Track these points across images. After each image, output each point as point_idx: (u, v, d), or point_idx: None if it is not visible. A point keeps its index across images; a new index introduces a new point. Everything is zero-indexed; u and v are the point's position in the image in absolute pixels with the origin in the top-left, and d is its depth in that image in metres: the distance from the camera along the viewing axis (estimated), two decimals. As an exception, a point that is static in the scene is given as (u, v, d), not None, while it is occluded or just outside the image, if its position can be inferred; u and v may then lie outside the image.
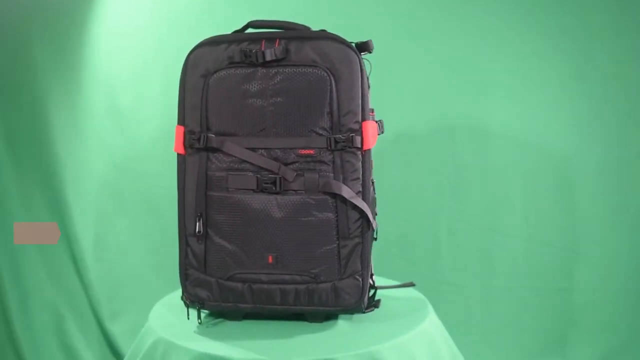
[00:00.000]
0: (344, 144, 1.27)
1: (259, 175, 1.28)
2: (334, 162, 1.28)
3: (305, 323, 1.34)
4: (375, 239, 1.37)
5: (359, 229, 1.29)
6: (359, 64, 1.28)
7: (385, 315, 1.39)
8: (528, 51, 1.95)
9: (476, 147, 1.99)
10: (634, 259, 1.96)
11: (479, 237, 2.01)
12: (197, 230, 1.31)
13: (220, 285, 1.32)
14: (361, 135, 1.28)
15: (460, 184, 2.01)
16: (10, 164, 2.12)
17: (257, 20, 1.36)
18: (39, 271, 2.13)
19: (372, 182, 1.33)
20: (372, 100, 1.34)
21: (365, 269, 1.30)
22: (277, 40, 1.28)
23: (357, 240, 1.29)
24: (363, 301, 1.32)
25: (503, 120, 1.97)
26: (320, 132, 1.27)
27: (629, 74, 1.93)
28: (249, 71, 1.28)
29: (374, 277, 1.44)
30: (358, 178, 1.28)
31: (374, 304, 1.41)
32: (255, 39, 1.29)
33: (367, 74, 1.31)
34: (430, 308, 1.43)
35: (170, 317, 1.39)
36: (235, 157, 1.29)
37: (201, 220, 1.31)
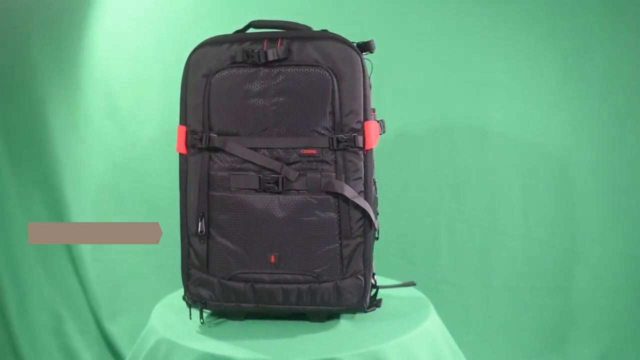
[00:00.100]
0: (346, 144, 1.27)
1: (261, 175, 1.28)
2: (336, 161, 1.28)
3: (307, 323, 1.34)
4: (377, 238, 1.37)
5: (361, 229, 1.29)
6: (360, 64, 1.28)
7: (386, 314, 1.39)
8: (527, 51, 1.96)
9: (476, 147, 2.00)
10: (633, 259, 1.97)
11: (478, 236, 2.01)
12: (199, 230, 1.31)
13: (222, 285, 1.32)
14: (363, 135, 1.28)
15: (459, 184, 2.01)
16: (9, 164, 2.11)
17: (258, 20, 1.36)
18: (38, 271, 2.13)
19: (374, 182, 1.34)
20: (372, 100, 1.34)
21: (367, 268, 1.31)
22: (279, 40, 1.28)
23: (359, 239, 1.30)
24: (365, 301, 1.33)
25: (502, 120, 1.98)
26: (323, 131, 1.27)
27: (627, 74, 1.94)
28: (251, 71, 1.28)
29: (375, 276, 1.44)
30: (360, 178, 1.29)
31: (375, 303, 1.41)
32: (257, 38, 1.29)
33: (369, 73, 1.31)
34: (431, 307, 1.43)
35: (172, 317, 1.39)
36: (237, 156, 1.29)
37: (203, 220, 1.31)
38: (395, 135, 1.97)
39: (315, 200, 1.28)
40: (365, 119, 1.28)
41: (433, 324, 1.37)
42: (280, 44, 1.27)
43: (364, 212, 1.29)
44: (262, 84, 1.28)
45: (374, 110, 1.34)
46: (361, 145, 1.28)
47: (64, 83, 2.09)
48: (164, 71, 2.07)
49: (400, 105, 1.97)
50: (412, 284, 1.54)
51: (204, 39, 1.34)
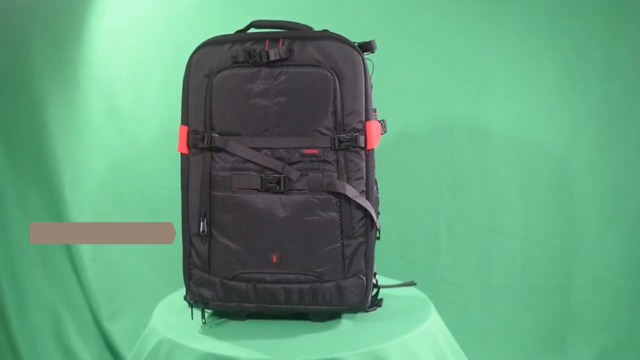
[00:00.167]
0: (348, 144, 1.27)
1: (263, 175, 1.29)
2: (337, 161, 1.28)
3: (309, 322, 1.34)
4: (379, 238, 1.37)
5: (362, 228, 1.30)
6: (362, 64, 1.28)
7: (387, 314, 1.39)
8: (527, 52, 1.96)
9: (475, 147, 2.00)
10: (631, 258, 1.98)
11: (478, 236, 2.02)
12: (201, 230, 1.31)
13: (224, 285, 1.32)
14: (365, 134, 1.28)
15: (459, 184, 2.01)
16: (8, 164, 2.11)
17: (259, 20, 1.36)
18: (37, 271, 2.12)
19: (376, 182, 1.34)
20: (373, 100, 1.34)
21: (369, 268, 1.31)
22: (281, 40, 1.28)
23: (361, 239, 1.30)
24: (367, 300, 1.33)
25: (502, 120, 1.98)
26: (324, 131, 1.28)
27: (626, 74, 1.94)
28: (252, 71, 1.28)
29: (376, 276, 1.44)
30: (362, 177, 1.29)
31: (376, 303, 1.41)
32: (258, 38, 1.29)
33: (370, 73, 1.32)
34: (432, 307, 1.44)
35: (173, 317, 1.39)
36: (239, 156, 1.29)
37: (205, 220, 1.31)
38: (395, 135, 1.97)
39: (317, 200, 1.28)
40: (367, 118, 1.29)
41: (434, 323, 1.37)
42: (282, 44, 1.28)
43: (366, 212, 1.29)
44: (263, 84, 1.28)
45: (375, 110, 1.34)
46: (363, 145, 1.28)
47: (63, 83, 2.08)
48: (163, 71, 2.06)
49: (400, 105, 1.97)
50: (412, 283, 1.55)
51: (205, 39, 1.34)
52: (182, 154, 1.34)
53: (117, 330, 2.10)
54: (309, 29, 1.34)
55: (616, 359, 1.97)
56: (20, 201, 2.11)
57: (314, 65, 1.27)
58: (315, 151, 1.28)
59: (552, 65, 1.95)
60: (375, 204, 1.34)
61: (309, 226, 1.28)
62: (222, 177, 1.30)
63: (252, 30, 1.36)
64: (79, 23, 2.07)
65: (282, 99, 1.27)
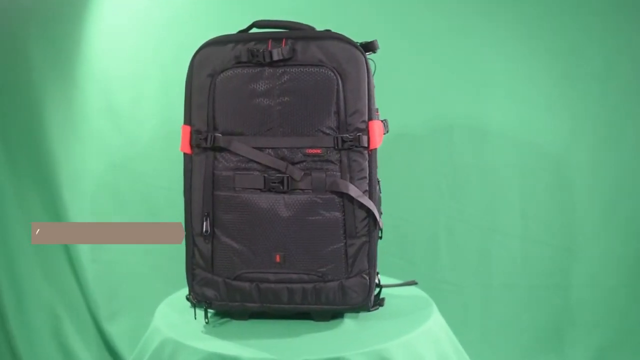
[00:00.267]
0: (351, 143, 1.28)
1: (266, 175, 1.29)
2: (340, 161, 1.28)
3: (312, 322, 1.34)
4: (381, 237, 1.37)
5: (365, 228, 1.30)
6: (365, 64, 1.29)
7: (390, 313, 1.40)
8: (527, 52, 1.96)
9: (475, 147, 2.00)
10: (629, 257, 1.98)
11: (477, 236, 2.02)
12: (204, 230, 1.31)
13: (227, 285, 1.32)
14: (368, 134, 1.29)
15: (459, 184, 2.02)
16: (6, 164, 2.10)
17: (262, 20, 1.36)
18: (36, 271, 2.11)
19: (378, 181, 1.34)
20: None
21: (372, 267, 1.31)
22: (284, 40, 1.28)
23: (364, 239, 1.30)
24: (370, 300, 1.33)
25: (502, 120, 1.98)
26: (327, 131, 1.28)
27: (625, 75, 1.95)
28: (256, 71, 1.28)
29: (378, 275, 1.45)
30: (365, 177, 1.29)
31: (378, 302, 1.42)
32: (261, 38, 1.29)
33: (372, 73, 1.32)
34: (434, 306, 1.44)
35: (175, 317, 1.39)
36: (242, 156, 1.29)
37: (208, 220, 1.31)
38: (394, 135, 1.95)
39: (320, 199, 1.28)
40: (370, 118, 1.29)
41: (436, 322, 1.38)
42: (285, 44, 1.28)
43: (369, 211, 1.29)
44: (267, 84, 1.28)
45: (377, 110, 1.34)
46: (366, 145, 1.28)
47: (62, 82, 2.07)
48: (163, 71, 2.06)
49: (400, 105, 1.97)
50: (413, 283, 1.55)
51: (206, 39, 1.34)
52: (185, 153, 1.34)
53: (116, 331, 2.10)
54: (312, 29, 1.34)
55: (614, 356, 1.98)
56: (19, 201, 2.10)
57: (317, 65, 1.27)
58: (319, 151, 1.28)
59: (551, 66, 1.96)
60: (378, 203, 1.34)
61: (312, 226, 1.28)
62: (225, 177, 1.30)
63: (254, 30, 1.36)
64: (78, 22, 2.07)
65: (285, 98, 1.28)
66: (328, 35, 1.29)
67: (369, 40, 1.34)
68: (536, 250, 2.00)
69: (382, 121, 1.33)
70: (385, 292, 1.49)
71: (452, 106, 2.00)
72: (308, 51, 1.28)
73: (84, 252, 2.09)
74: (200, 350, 1.22)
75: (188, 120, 1.33)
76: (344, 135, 1.27)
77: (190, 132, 1.32)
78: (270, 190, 1.29)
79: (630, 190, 1.97)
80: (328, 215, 1.28)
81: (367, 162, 1.29)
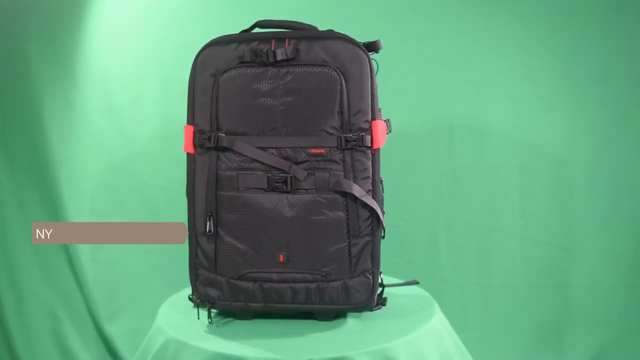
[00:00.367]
0: (355, 143, 1.28)
1: (269, 175, 1.29)
2: (344, 161, 1.29)
3: (315, 321, 1.34)
4: (384, 237, 1.37)
5: (369, 227, 1.30)
6: (368, 64, 1.29)
7: (392, 313, 1.40)
8: (526, 52, 1.97)
9: (474, 147, 2.01)
10: (628, 256, 1.99)
11: (477, 235, 2.02)
12: (207, 229, 1.31)
13: (230, 285, 1.32)
14: (371, 134, 1.29)
15: (458, 184, 2.02)
16: (5, 164, 2.09)
17: (264, 20, 1.36)
18: (35, 272, 2.10)
19: (381, 181, 1.34)
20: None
21: (375, 267, 1.32)
22: (287, 40, 1.29)
23: (367, 238, 1.30)
24: (373, 299, 1.34)
25: (501, 120, 1.99)
26: (331, 131, 1.28)
27: (623, 75, 1.95)
28: (259, 71, 1.28)
29: (381, 275, 1.45)
30: (368, 177, 1.30)
31: (381, 301, 1.42)
32: (264, 38, 1.29)
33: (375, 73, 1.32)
34: (436, 306, 1.44)
35: (178, 317, 1.39)
36: (245, 156, 1.29)
37: (211, 220, 1.31)
38: (394, 135, 1.95)
39: (324, 199, 1.28)
40: (373, 118, 1.30)
41: (439, 322, 1.38)
42: (288, 44, 1.28)
43: (372, 211, 1.30)
44: (270, 84, 1.28)
45: (379, 110, 1.34)
46: (369, 145, 1.29)
47: (61, 82, 2.07)
48: (162, 70, 2.06)
49: (400, 104, 1.97)
50: (415, 282, 1.56)
51: (208, 39, 1.34)
52: (188, 153, 1.34)
53: (116, 331, 2.09)
54: (314, 28, 1.34)
55: (614, 356, 1.98)
56: (18, 202, 2.10)
57: (320, 65, 1.27)
58: (322, 151, 1.28)
59: (551, 66, 1.96)
60: (381, 203, 1.34)
61: (315, 225, 1.28)
62: (229, 177, 1.30)
63: (256, 30, 1.36)
64: (77, 22, 2.06)
65: (289, 98, 1.28)
66: (331, 35, 1.29)
67: (372, 40, 1.34)
68: (536, 249, 2.01)
69: (385, 121, 1.33)
70: (386, 291, 1.49)
71: (451, 106, 2.00)
72: (311, 51, 1.28)
73: (84, 252, 2.08)
74: (204, 350, 1.22)
75: (191, 120, 1.33)
76: (348, 135, 1.28)
77: (194, 132, 1.32)
78: (273, 190, 1.29)
79: (629, 190, 1.98)
80: (331, 215, 1.28)
81: (370, 162, 1.29)
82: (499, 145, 1.99)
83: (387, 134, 1.34)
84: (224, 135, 1.29)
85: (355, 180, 1.28)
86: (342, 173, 1.28)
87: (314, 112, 1.28)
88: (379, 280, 1.39)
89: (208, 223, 1.31)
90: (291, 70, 1.27)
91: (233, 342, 1.25)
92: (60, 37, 2.06)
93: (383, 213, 1.35)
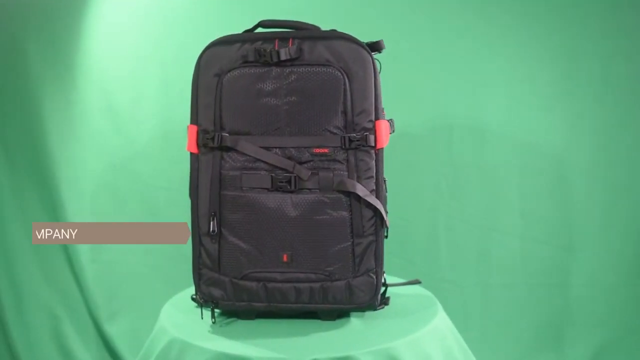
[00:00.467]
0: (358, 143, 1.28)
1: (273, 174, 1.29)
2: (348, 160, 1.29)
3: (318, 321, 1.34)
4: (387, 236, 1.38)
5: (372, 227, 1.30)
6: (372, 64, 1.29)
7: (395, 312, 1.40)
8: (525, 52, 1.97)
9: (474, 147, 2.01)
10: (628, 256, 2.00)
11: (477, 235, 2.03)
12: (210, 229, 1.31)
13: (234, 285, 1.32)
14: (375, 134, 1.29)
15: (458, 183, 2.02)
16: (5, 164, 2.09)
17: (267, 20, 1.36)
18: (35, 272, 2.10)
19: (384, 181, 1.35)
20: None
21: (379, 266, 1.32)
22: (291, 40, 1.29)
23: (371, 238, 1.31)
24: (376, 299, 1.34)
25: (501, 120, 1.99)
26: (335, 131, 1.28)
27: (622, 74, 1.96)
28: (263, 70, 1.28)
29: (384, 274, 1.45)
30: (372, 177, 1.30)
31: (384, 301, 1.42)
32: (268, 38, 1.30)
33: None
34: (438, 305, 1.45)
35: (181, 317, 1.39)
36: (249, 156, 1.29)
37: (215, 220, 1.31)
38: (394, 135, 1.97)
39: (328, 199, 1.28)
40: (377, 118, 1.30)
41: (442, 321, 1.38)
42: (292, 44, 1.28)
43: (376, 211, 1.30)
44: (274, 84, 1.28)
45: (383, 110, 1.34)
46: (373, 144, 1.29)
47: (60, 82, 2.06)
48: (162, 70, 2.06)
49: (400, 104, 1.96)
50: (417, 282, 1.56)
51: (209, 38, 1.34)
52: (191, 153, 1.33)
53: (116, 331, 2.09)
54: (317, 28, 1.34)
55: (614, 355, 1.99)
56: (18, 202, 2.09)
57: (324, 65, 1.27)
58: (326, 150, 1.28)
59: (550, 66, 1.97)
60: (384, 202, 1.34)
61: (319, 225, 1.29)
62: (232, 177, 1.30)
63: (259, 29, 1.36)
64: (77, 21, 2.06)
65: (293, 98, 1.28)
66: (335, 35, 1.30)
67: (375, 40, 1.34)
68: (536, 249, 2.01)
69: (388, 121, 1.34)
70: (389, 291, 1.49)
71: (451, 106, 2.00)
72: (315, 51, 1.28)
73: (84, 252, 2.08)
74: (208, 350, 1.22)
75: (195, 119, 1.32)
76: (351, 134, 1.28)
77: (197, 132, 1.32)
78: (277, 189, 1.29)
79: (628, 189, 1.98)
80: (335, 215, 1.29)
81: (374, 162, 1.30)
82: (498, 145, 2.00)
83: (390, 133, 1.34)
84: (227, 135, 1.29)
85: (358, 180, 1.29)
86: (346, 173, 1.29)
87: (317, 112, 1.28)
88: (382, 280, 1.39)
89: (212, 223, 1.31)
90: (295, 70, 1.28)
91: (237, 342, 1.25)
92: (60, 36, 2.06)
93: (386, 212, 1.35)
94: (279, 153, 1.29)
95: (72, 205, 2.07)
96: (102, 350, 2.11)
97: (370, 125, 1.29)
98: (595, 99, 1.97)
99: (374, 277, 1.31)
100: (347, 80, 1.27)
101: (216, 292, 1.33)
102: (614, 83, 1.96)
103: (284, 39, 1.29)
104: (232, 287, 1.32)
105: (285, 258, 1.30)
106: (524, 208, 2.02)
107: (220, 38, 1.32)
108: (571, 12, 1.96)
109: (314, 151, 1.28)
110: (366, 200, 1.28)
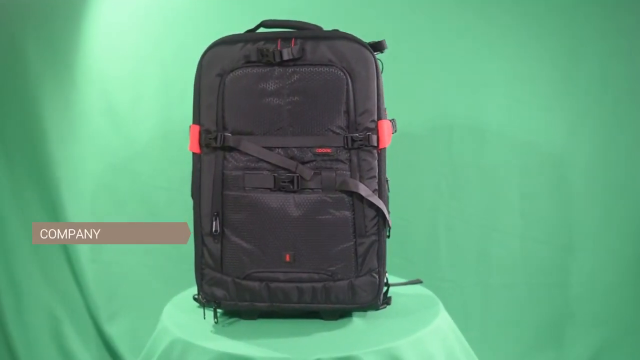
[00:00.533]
0: (361, 143, 1.28)
1: (275, 174, 1.29)
2: (350, 160, 1.29)
3: (320, 321, 1.35)
4: (389, 236, 1.38)
5: (375, 227, 1.31)
6: (374, 64, 1.29)
7: (397, 312, 1.41)
8: (525, 52, 1.98)
9: (474, 147, 2.01)
10: (627, 255, 2.01)
11: (476, 235, 2.03)
12: (213, 229, 1.31)
13: (236, 285, 1.32)
14: (377, 134, 1.29)
15: (458, 183, 2.03)
16: (4, 164, 2.08)
17: (270, 20, 1.36)
18: (35, 273, 2.09)
19: (387, 180, 1.35)
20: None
21: (381, 266, 1.32)
22: (293, 40, 1.29)
23: (373, 237, 1.31)
24: (379, 298, 1.34)
25: (500, 120, 2.00)
26: (337, 131, 1.28)
27: (622, 74, 1.97)
28: (265, 70, 1.28)
29: (387, 274, 1.45)
30: (374, 176, 1.30)
31: (386, 301, 1.42)
32: (270, 38, 1.30)
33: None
34: (440, 305, 1.45)
35: (183, 317, 1.39)
36: (251, 156, 1.29)
37: (218, 220, 1.31)
38: (394, 135, 1.98)
39: (330, 199, 1.28)
40: (379, 118, 1.30)
41: (444, 321, 1.39)
42: (294, 44, 1.28)
43: (378, 210, 1.30)
44: (276, 84, 1.28)
45: (385, 110, 1.35)
46: (375, 144, 1.29)
47: (60, 82, 2.06)
48: (162, 70, 2.05)
49: (399, 104, 1.96)
50: (419, 281, 1.56)
51: (209, 38, 1.34)
52: (193, 153, 1.33)
53: (116, 332, 2.08)
54: (319, 28, 1.34)
55: (613, 354, 2.00)
56: (17, 202, 2.08)
57: (326, 65, 1.28)
58: (328, 150, 1.28)
59: (550, 66, 1.98)
60: (387, 202, 1.34)
61: (322, 225, 1.29)
62: (235, 177, 1.30)
63: (261, 29, 1.36)
64: (76, 21, 2.05)
65: (295, 98, 1.28)
66: (338, 35, 1.30)
67: (377, 40, 1.35)
68: (535, 248, 2.02)
69: (390, 120, 1.34)
70: (390, 290, 1.49)
71: (451, 106, 2.01)
72: (318, 51, 1.28)
73: (84, 252, 2.08)
74: (211, 350, 1.21)
75: (197, 119, 1.32)
76: (354, 134, 1.28)
77: (199, 132, 1.32)
78: (280, 189, 1.29)
79: (628, 189, 1.99)
80: (338, 215, 1.29)
81: (376, 162, 1.30)
82: (498, 145, 2.00)
83: (392, 133, 1.34)
84: (230, 135, 1.29)
85: (361, 179, 1.29)
86: (349, 172, 1.29)
87: (320, 112, 1.28)
88: (385, 280, 1.39)
89: (214, 223, 1.31)
90: (297, 70, 1.28)
91: (239, 342, 1.25)
92: (60, 36, 2.05)
93: (389, 212, 1.35)
94: (282, 153, 1.29)
95: (72, 205, 2.07)
96: (102, 351, 2.11)
97: (372, 125, 1.29)
98: (594, 99, 1.98)
99: (377, 277, 1.32)
100: (349, 80, 1.28)
101: (219, 292, 1.33)
102: (614, 83, 1.97)
103: (286, 39, 1.29)
104: (235, 287, 1.32)
105: (287, 258, 1.30)
106: (524, 208, 2.02)
107: (222, 38, 1.32)
108: (571, 13, 1.97)
109: (317, 151, 1.28)
110: (369, 200, 1.29)
